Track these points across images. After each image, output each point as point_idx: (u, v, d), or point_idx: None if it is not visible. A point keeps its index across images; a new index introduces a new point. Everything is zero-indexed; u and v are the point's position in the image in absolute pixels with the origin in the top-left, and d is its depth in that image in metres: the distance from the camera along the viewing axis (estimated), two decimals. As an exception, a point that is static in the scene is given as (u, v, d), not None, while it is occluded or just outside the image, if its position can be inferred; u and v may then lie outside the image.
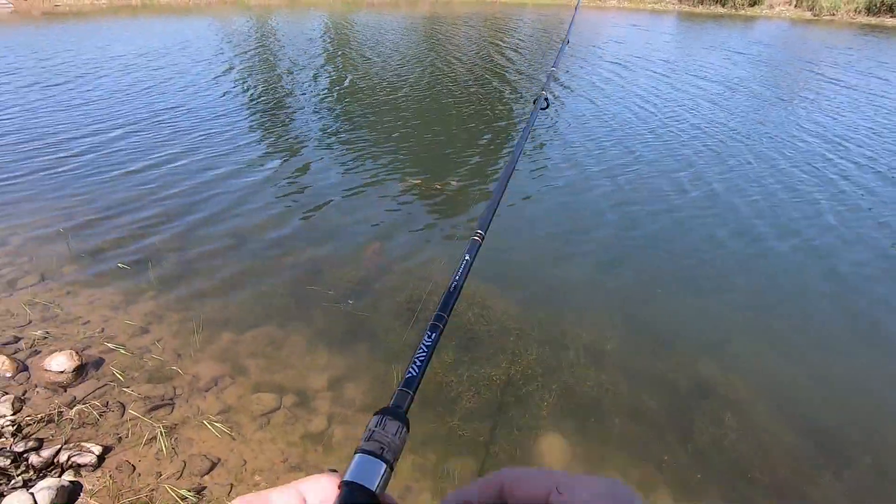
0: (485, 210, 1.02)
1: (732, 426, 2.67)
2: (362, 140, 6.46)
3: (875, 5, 18.91)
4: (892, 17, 18.53)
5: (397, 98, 8.43)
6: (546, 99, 1.55)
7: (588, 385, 2.89)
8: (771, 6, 21.24)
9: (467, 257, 0.83)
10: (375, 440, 0.46)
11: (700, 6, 22.39)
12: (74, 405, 2.47)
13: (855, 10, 19.28)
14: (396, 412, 0.49)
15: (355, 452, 0.44)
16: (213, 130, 6.46)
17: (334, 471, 0.43)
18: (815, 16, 19.97)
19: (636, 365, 3.08)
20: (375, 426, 0.47)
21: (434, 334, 0.64)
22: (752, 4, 21.49)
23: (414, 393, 0.54)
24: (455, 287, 0.75)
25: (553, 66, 2.02)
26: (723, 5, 21.87)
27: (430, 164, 5.93)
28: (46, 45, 11.08)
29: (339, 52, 12.31)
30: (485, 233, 0.93)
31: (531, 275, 3.92)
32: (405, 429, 0.48)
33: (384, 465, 0.43)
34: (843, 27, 18.24)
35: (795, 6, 20.62)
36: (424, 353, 0.60)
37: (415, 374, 0.57)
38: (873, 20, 18.85)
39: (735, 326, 3.46)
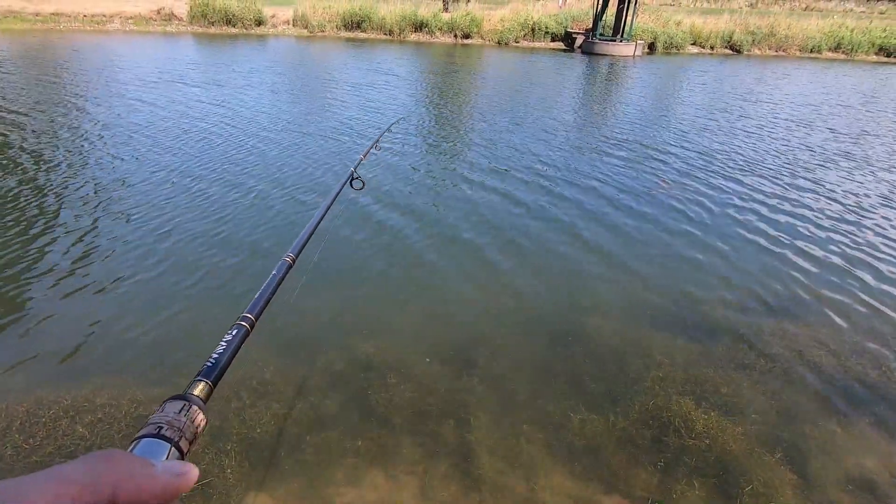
0: (299, 236, 1.07)
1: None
2: None
3: (347, 24, 24.28)
4: (362, 32, 24.31)
5: None
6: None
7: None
8: (275, 25, 24.01)
9: (275, 272, 0.89)
10: (151, 423, 0.46)
11: (212, 27, 23.01)
12: None
13: (336, 27, 24.19)
14: (179, 395, 0.51)
15: (130, 443, 0.43)
16: None
17: None
18: (310, 33, 23.89)
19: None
20: (153, 413, 0.48)
21: (236, 332, 0.67)
22: (259, 24, 23.70)
23: (214, 383, 0.57)
24: (261, 294, 0.81)
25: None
26: (233, 26, 23.18)
27: None
28: None
29: None
30: (296, 256, 0.99)
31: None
32: (194, 407, 0.49)
33: (165, 443, 0.43)
34: (333, 40, 22.72)
35: (294, 25, 24.04)
36: (224, 347, 0.64)
37: (212, 365, 0.59)
38: (351, 34, 24.25)
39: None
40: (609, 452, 2.82)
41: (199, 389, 0.54)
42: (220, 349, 0.62)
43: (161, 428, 0.44)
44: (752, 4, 42.35)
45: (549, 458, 2.77)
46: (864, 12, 40.71)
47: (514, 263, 4.73)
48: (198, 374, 0.57)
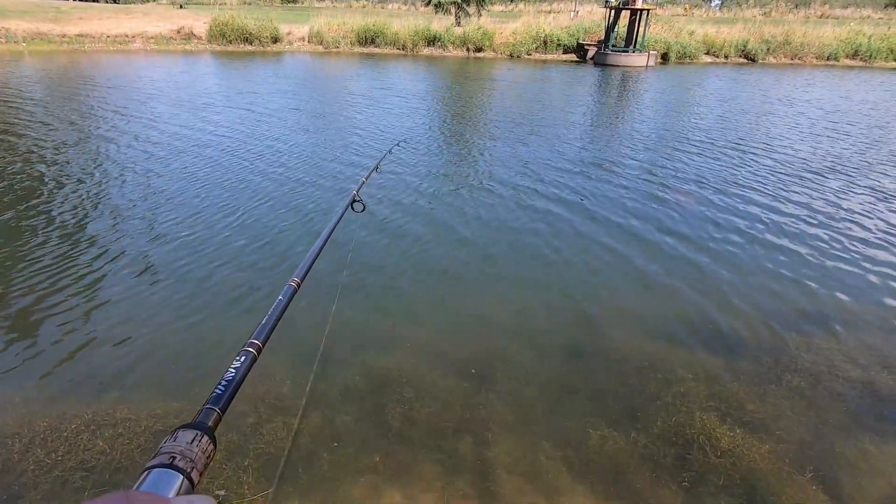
0: (303, 260, 1.08)
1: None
2: None
3: (361, 40, 24.67)
4: (376, 47, 24.66)
5: None
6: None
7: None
8: (290, 42, 24.50)
9: (281, 298, 0.91)
10: (164, 453, 0.45)
11: (230, 45, 23.58)
12: None
13: (351, 43, 24.59)
14: (190, 424, 0.51)
15: (141, 472, 0.43)
16: None
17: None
18: (325, 49, 24.32)
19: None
20: (164, 441, 0.48)
21: (244, 358, 0.67)
22: (275, 41, 24.22)
23: (222, 410, 0.57)
24: (268, 320, 0.83)
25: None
26: (250, 43, 23.73)
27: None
28: None
29: None
30: (301, 280, 1.01)
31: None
32: (206, 437, 0.49)
33: (177, 474, 0.43)
34: (347, 56, 23.07)
35: (309, 42, 24.50)
36: (233, 375, 0.63)
37: (221, 392, 0.59)
38: (365, 50, 24.62)
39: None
40: (631, 470, 2.75)
41: (209, 418, 0.55)
42: (228, 376, 0.63)
43: (174, 458, 0.44)
44: (766, 13, 42.07)
45: (570, 476, 2.71)
46: (881, 19, 40.17)
47: (530, 277, 4.69)
48: (207, 402, 0.57)
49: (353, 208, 1.65)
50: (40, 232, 5.16)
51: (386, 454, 2.79)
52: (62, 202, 5.94)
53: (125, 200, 6.07)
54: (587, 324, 4.05)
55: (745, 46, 25.61)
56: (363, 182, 1.97)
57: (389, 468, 2.71)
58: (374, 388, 3.26)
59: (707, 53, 25.61)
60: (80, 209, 5.78)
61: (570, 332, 3.94)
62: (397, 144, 4.01)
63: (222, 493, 2.50)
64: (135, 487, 0.39)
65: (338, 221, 1.39)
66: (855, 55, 26.15)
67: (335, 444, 2.83)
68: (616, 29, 23.44)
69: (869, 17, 42.03)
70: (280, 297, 0.90)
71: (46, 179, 6.64)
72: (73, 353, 3.49)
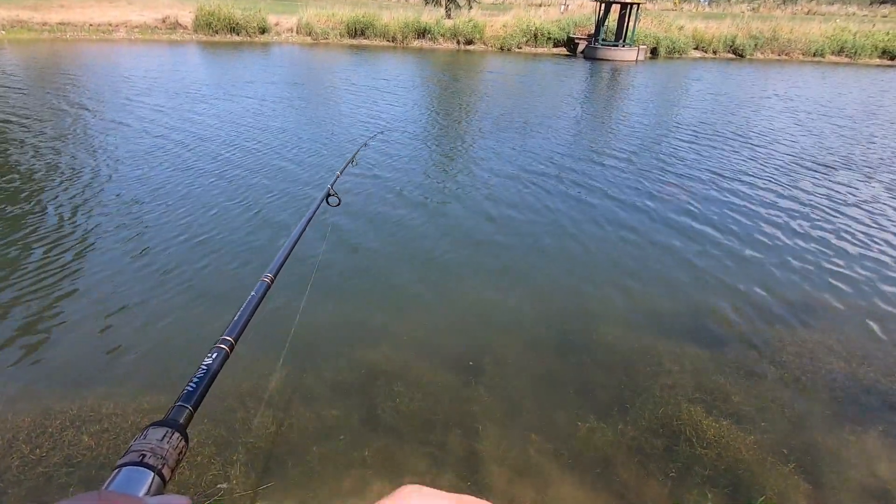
0: (277, 255, 1.06)
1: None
2: None
3: (351, 31, 24.41)
4: (366, 39, 24.43)
5: None
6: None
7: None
8: (278, 33, 24.16)
9: (253, 293, 0.88)
10: (134, 451, 0.45)
11: (216, 35, 23.17)
12: None
13: (340, 35, 24.32)
14: (161, 421, 0.51)
15: (112, 471, 0.42)
16: None
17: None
18: (314, 40, 24.02)
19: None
20: (135, 439, 0.47)
21: (216, 354, 0.66)
22: (263, 32, 23.86)
23: (194, 407, 0.57)
24: (240, 316, 0.81)
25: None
26: (237, 34, 23.34)
27: None
28: None
29: None
30: (275, 276, 0.99)
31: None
32: (177, 434, 0.49)
33: (148, 472, 0.43)
34: (336, 48, 22.83)
35: (297, 33, 24.18)
36: (205, 371, 0.63)
37: (192, 389, 0.59)
38: (354, 41, 24.37)
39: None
40: (619, 462, 2.78)
41: (180, 415, 0.54)
42: (200, 373, 0.62)
43: (144, 456, 0.44)
44: (754, 9, 42.37)
45: (558, 468, 2.73)
46: (866, 16, 40.66)
47: (520, 271, 4.71)
48: (178, 399, 0.56)
49: (327, 202, 1.63)
50: (20, 225, 5.06)
51: (375, 448, 2.79)
52: (39, 196, 5.83)
53: (108, 195, 5.96)
54: (576, 316, 4.08)
55: (733, 42, 25.76)
56: (338, 175, 1.93)
57: (378, 461, 2.71)
58: (362, 381, 3.26)
59: (696, 48, 25.74)
60: (60, 204, 5.67)
61: (558, 325, 3.96)
62: (372, 137, 3.98)
63: (209, 488, 2.49)
64: (104, 486, 0.38)
65: (312, 216, 1.37)
66: (840, 52, 26.45)
67: (324, 438, 2.83)
68: (606, 23, 23.44)
69: (854, 13, 42.53)
70: (253, 293, 0.88)
71: (23, 170, 6.50)
72: (57, 348, 3.43)
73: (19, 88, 11.25)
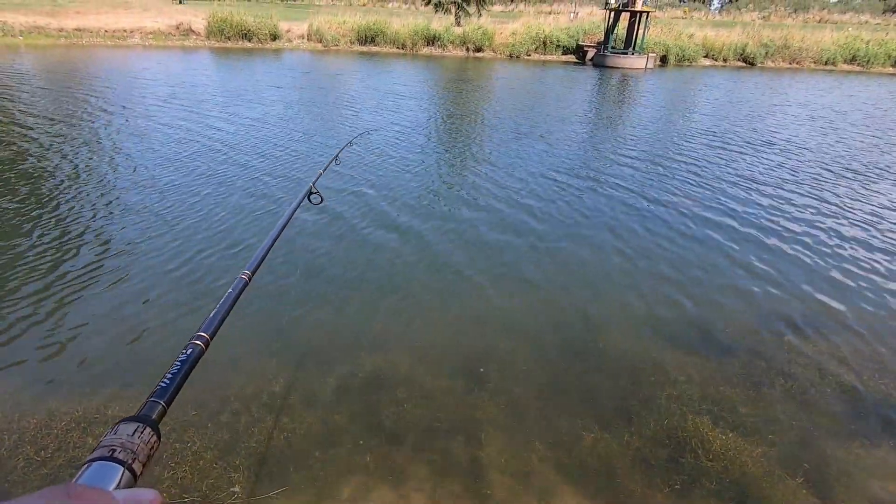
0: (256, 253, 1.07)
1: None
2: None
3: (361, 38, 24.63)
4: (375, 45, 24.63)
5: None
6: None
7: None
8: (290, 40, 24.43)
9: (231, 290, 0.87)
10: (104, 446, 0.44)
11: (228, 42, 23.49)
12: None
13: (350, 42, 24.56)
14: (133, 416, 0.50)
15: (82, 465, 0.42)
16: None
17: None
18: (325, 47, 24.26)
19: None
20: (105, 435, 0.47)
21: (190, 351, 0.66)
22: (274, 38, 24.15)
23: (167, 403, 0.56)
24: (216, 313, 0.79)
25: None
26: (249, 40, 23.65)
27: None
28: None
29: None
30: (252, 273, 0.98)
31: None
32: (148, 429, 0.48)
33: (118, 466, 0.43)
34: (347, 54, 23.03)
35: (308, 39, 24.44)
36: (178, 367, 0.63)
37: (166, 385, 0.59)
38: (364, 48, 24.58)
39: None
40: (623, 473, 2.75)
41: (153, 411, 0.54)
42: (174, 369, 0.61)
43: (114, 451, 0.44)
44: (764, 17, 42.19)
45: (562, 478, 2.70)
46: (879, 24, 40.34)
47: (525, 278, 4.69)
48: (151, 395, 0.56)
49: (310, 200, 1.61)
50: (24, 225, 5.13)
51: (377, 454, 2.78)
52: (40, 197, 5.91)
53: (109, 195, 6.04)
54: (580, 324, 4.05)
55: (743, 50, 25.67)
56: (321, 174, 1.92)
57: (381, 468, 2.70)
58: (366, 387, 3.25)
59: (706, 56, 25.66)
60: (61, 204, 5.75)
61: (563, 333, 3.93)
62: (358, 137, 3.97)
63: (211, 492, 2.49)
64: (74, 480, 0.38)
65: (292, 214, 1.35)
66: (853, 60, 26.24)
67: (326, 444, 2.82)
68: (615, 31, 23.46)
69: (867, 21, 42.20)
70: (230, 290, 0.87)
71: (29, 172, 6.60)
72: (64, 350, 3.46)
73: (41, 91, 11.45)
